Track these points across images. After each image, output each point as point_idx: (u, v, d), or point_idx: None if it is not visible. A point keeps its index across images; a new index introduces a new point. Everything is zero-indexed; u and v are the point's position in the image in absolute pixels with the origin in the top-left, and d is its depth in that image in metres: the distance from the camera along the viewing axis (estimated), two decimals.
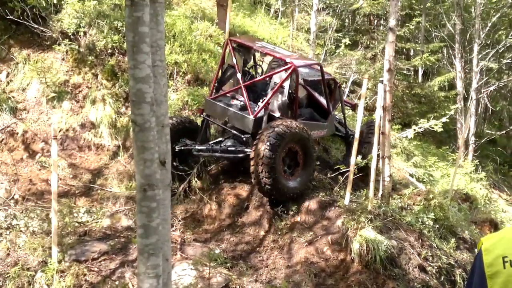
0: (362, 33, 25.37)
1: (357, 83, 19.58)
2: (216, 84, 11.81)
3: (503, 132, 28.93)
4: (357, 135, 10.43)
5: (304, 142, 10.65)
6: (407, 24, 23.20)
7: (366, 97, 15.22)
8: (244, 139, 11.03)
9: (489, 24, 24.20)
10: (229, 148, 11.09)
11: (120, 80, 13.25)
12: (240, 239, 10.38)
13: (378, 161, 10.62)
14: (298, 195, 10.76)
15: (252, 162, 10.15)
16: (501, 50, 25.32)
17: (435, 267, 9.73)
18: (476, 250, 8.73)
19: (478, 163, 21.35)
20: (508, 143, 30.19)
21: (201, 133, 11.79)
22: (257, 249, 10.13)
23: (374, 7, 23.52)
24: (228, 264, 9.42)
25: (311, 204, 10.49)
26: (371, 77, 19.05)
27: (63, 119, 12.72)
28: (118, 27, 13.58)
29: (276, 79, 11.56)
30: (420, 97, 24.18)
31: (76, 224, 10.40)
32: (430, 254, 9.87)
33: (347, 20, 27.09)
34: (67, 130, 12.67)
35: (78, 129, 12.77)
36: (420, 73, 28.17)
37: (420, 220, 10.55)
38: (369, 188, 10.39)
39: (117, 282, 8.67)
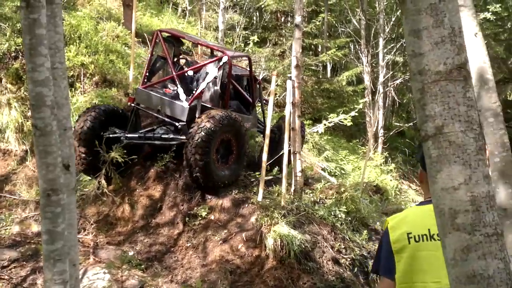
0: (270, 30, 25.51)
1: (267, 80, 19.67)
2: (147, 74, 11.79)
3: (411, 124, 29.59)
4: (267, 132, 10.51)
5: (238, 133, 10.80)
6: (313, 20, 23.48)
7: (276, 94, 15.35)
8: (180, 127, 11.01)
9: (393, 19, 24.73)
10: (162, 136, 11.09)
11: (25, 83, 12.94)
12: (154, 240, 10.31)
13: (289, 156, 10.73)
14: (228, 184, 10.90)
15: (186, 149, 10.21)
16: (405, 44, 25.89)
17: (349, 259, 9.91)
18: (382, 229, 8.88)
19: (387, 155, 21.79)
20: (416, 134, 30.88)
21: (131, 122, 11.67)
22: (172, 249, 10.09)
23: (281, 4, 23.69)
24: (143, 266, 9.36)
25: (225, 202, 10.52)
26: (280, 73, 19.17)
27: None
28: (21, 29, 13.28)
29: (208, 69, 11.63)
30: (329, 92, 24.49)
31: None
32: (343, 246, 10.04)
33: (254, 18, 27.21)
34: None
35: None
36: (329, 68, 28.56)
37: (332, 214, 10.72)
38: (281, 184, 10.48)
39: None
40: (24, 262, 9.17)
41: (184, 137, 10.59)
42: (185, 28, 22.27)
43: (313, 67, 25.48)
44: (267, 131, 10.53)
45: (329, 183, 13.16)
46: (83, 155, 11.05)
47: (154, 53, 11.96)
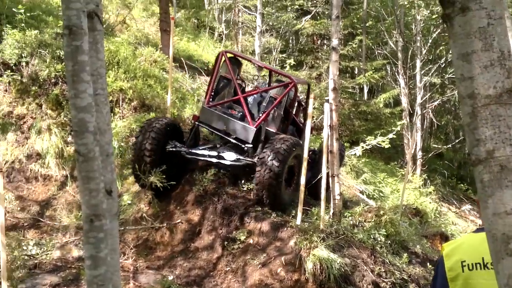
0: (306, 53, 25.60)
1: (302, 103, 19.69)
2: (212, 93, 12.06)
3: (449, 145, 29.42)
4: (305, 155, 10.47)
5: (300, 157, 10.95)
6: (349, 43, 23.49)
7: (313, 117, 15.32)
8: (246, 148, 11.34)
9: (430, 40, 24.65)
10: (225, 155, 11.33)
11: (65, 109, 13.11)
12: (194, 264, 10.31)
13: (327, 180, 10.68)
14: (288, 205, 11.23)
15: (259, 173, 10.49)
16: (443, 65, 25.83)
17: (389, 283, 9.79)
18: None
19: (426, 177, 21.64)
20: (454, 156, 30.67)
21: (190, 138, 11.93)
22: (211, 273, 10.07)
23: (317, 27, 23.76)
24: None
25: (263, 225, 10.49)
26: (317, 96, 19.19)
27: (8, 151, 12.52)
28: (61, 55, 13.47)
29: (272, 93, 12.11)
30: (367, 114, 24.47)
31: (26, 257, 10.19)
32: (383, 270, 9.93)
33: (290, 41, 27.30)
34: (13, 162, 12.47)
35: (24, 161, 12.58)
36: (366, 90, 28.50)
37: (372, 237, 10.63)
38: (320, 207, 10.43)
39: None
40: (65, 287, 9.21)
41: (252, 160, 11.00)
42: None
43: (350, 90, 25.49)
44: (305, 154, 10.49)
45: (368, 206, 13.05)
46: (148, 165, 11.23)
47: (218, 73, 12.20)
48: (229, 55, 12.34)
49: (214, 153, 11.43)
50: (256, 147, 11.37)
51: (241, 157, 11.26)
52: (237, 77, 12.34)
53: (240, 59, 12.89)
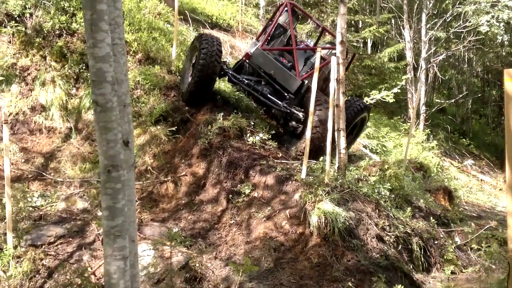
0: (311, 6, 25.38)
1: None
2: (268, 38, 12.77)
3: (452, 100, 29.39)
4: (311, 109, 10.42)
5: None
6: None
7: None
8: (287, 97, 12.17)
9: None
10: (269, 96, 12.21)
11: (69, 61, 13.06)
12: (198, 217, 10.34)
13: (333, 133, 10.66)
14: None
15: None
16: (448, 19, 25.64)
17: (393, 236, 9.84)
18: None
19: (429, 132, 21.66)
20: (457, 111, 30.66)
21: (234, 68, 12.86)
22: (216, 226, 10.10)
23: None
24: (187, 243, 9.37)
25: (268, 179, 10.49)
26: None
27: (13, 102, 12.49)
28: (65, 7, 13.37)
29: (322, 53, 12.43)
30: (371, 68, 24.38)
31: (31, 209, 10.25)
32: (387, 224, 9.98)
33: None
34: (17, 113, 12.47)
35: (28, 113, 12.57)
36: (369, 44, 28.34)
37: (376, 191, 10.67)
38: (325, 161, 10.42)
39: (75, 265, 8.56)
40: (70, 239, 9.25)
41: (298, 113, 12.01)
42: (226, 5, 22.23)
43: (354, 44, 25.32)
44: (311, 108, 10.45)
45: (372, 160, 13.07)
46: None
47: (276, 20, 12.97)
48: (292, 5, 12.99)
49: (259, 88, 12.16)
50: (295, 99, 12.13)
51: (287, 106, 12.02)
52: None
53: (300, 13, 13.73)
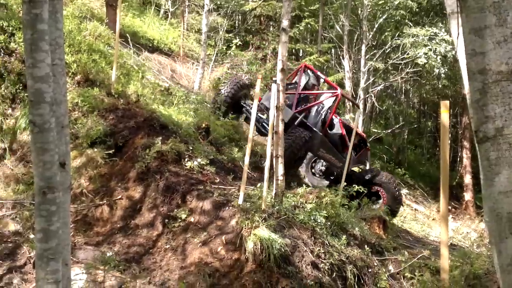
0: (253, 34, 25.59)
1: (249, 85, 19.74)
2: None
3: (389, 130, 29.86)
4: (250, 135, 10.47)
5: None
6: (296, 25, 23.57)
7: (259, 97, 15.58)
8: None
9: (376, 26, 24.94)
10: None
11: (6, 81, 12.82)
12: (133, 242, 10.23)
13: (271, 161, 10.73)
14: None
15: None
16: (387, 51, 26.15)
17: (327, 263, 9.88)
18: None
19: None
20: (393, 141, 31.17)
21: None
22: (151, 251, 10.01)
23: (265, 8, 23.77)
24: (121, 267, 9.26)
25: (205, 204, 10.47)
26: (262, 77, 19.24)
27: None
28: (4, 26, 13.18)
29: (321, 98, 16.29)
30: None
31: None
32: (322, 251, 10.03)
33: (237, 21, 27.25)
34: None
35: None
36: None
37: (312, 218, 10.71)
38: (262, 187, 10.47)
39: None
40: (1, 261, 9.05)
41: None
42: (168, 29, 22.25)
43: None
44: (250, 135, 10.50)
45: (309, 187, 13.17)
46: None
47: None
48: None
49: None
50: (288, 127, 14.06)
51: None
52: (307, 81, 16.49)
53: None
